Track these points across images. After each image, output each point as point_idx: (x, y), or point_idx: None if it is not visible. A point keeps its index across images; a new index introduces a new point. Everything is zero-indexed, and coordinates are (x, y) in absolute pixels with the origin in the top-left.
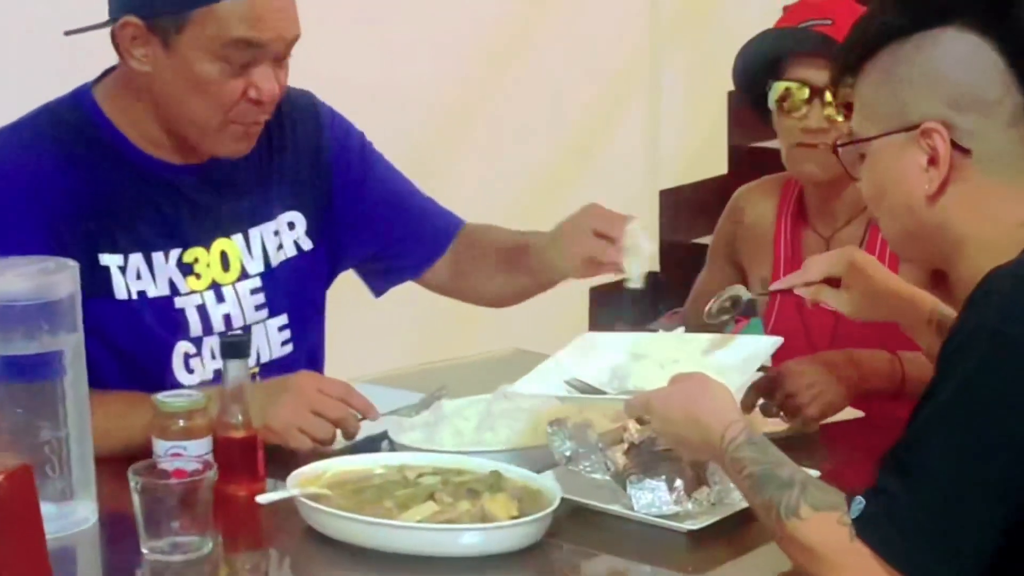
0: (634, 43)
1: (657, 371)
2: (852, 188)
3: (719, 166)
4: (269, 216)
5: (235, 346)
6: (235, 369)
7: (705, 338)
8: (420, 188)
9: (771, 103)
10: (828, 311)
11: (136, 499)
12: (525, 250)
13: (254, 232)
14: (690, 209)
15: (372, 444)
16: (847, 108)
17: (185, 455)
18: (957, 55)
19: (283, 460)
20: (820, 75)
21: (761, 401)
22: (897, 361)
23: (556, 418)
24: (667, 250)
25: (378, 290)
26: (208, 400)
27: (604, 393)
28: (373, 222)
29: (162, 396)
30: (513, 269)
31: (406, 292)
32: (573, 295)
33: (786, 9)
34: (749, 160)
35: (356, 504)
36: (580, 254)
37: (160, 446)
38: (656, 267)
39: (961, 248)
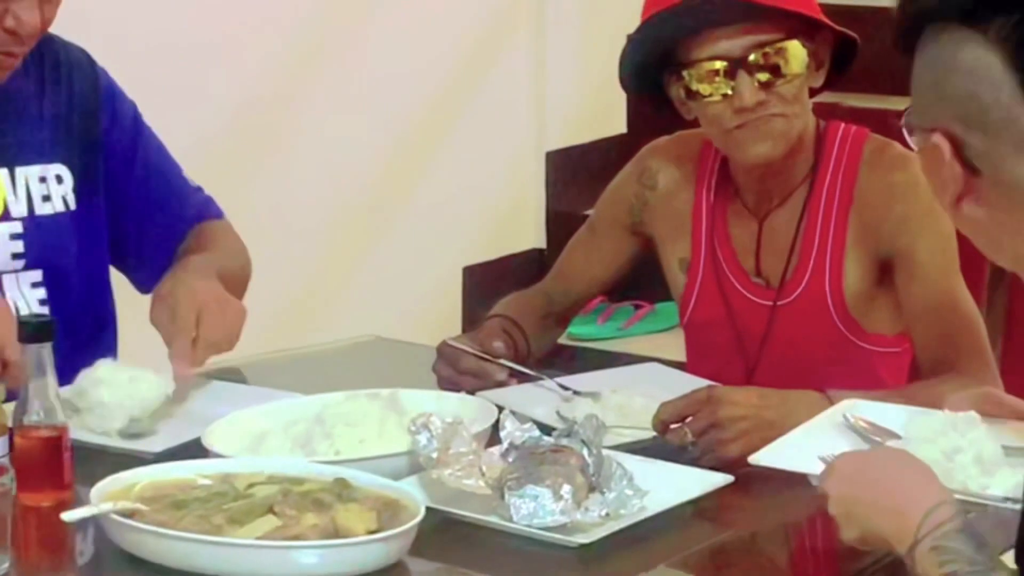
0: None
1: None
2: (793, 163)
3: (616, 123)
4: (36, 159)
5: (35, 328)
6: (35, 355)
7: None
8: (186, 176)
9: (680, 95)
10: (765, 305)
11: None
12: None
13: (20, 171)
14: (582, 174)
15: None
16: (782, 63)
17: None
18: (970, 65)
19: (90, 467)
20: (736, 43)
21: (675, 425)
22: (828, 402)
23: (420, 414)
24: (554, 221)
25: (143, 286)
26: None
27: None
28: (128, 207)
29: None
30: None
31: (256, 270)
32: (444, 275)
33: None
34: (653, 117)
35: (178, 520)
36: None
37: None
38: (541, 242)
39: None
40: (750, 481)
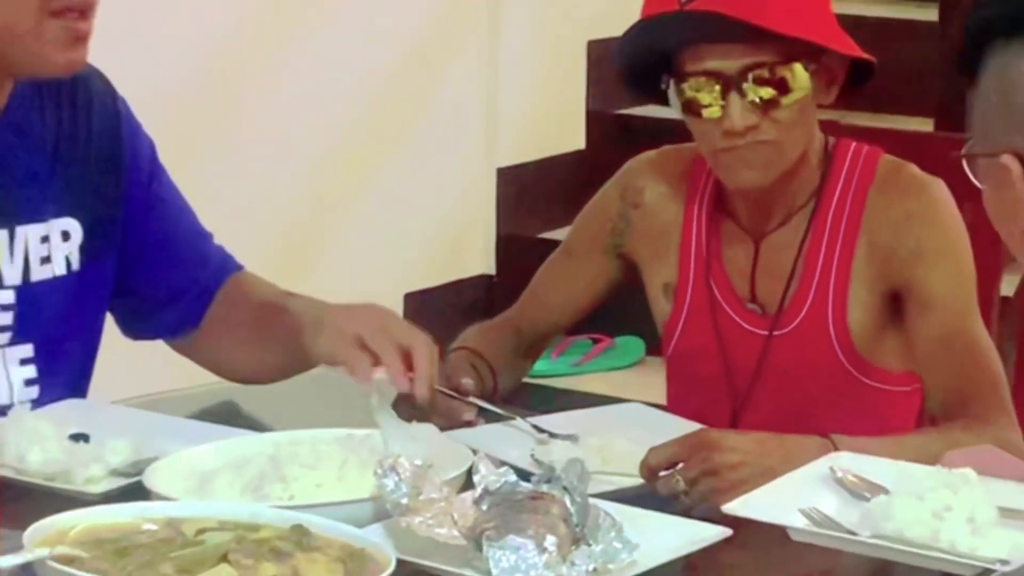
0: None
1: None
2: (794, 183)
3: (575, 138)
4: (41, 215)
5: None
6: None
7: None
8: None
9: (676, 108)
10: (759, 334)
11: None
12: (279, 315)
13: (21, 231)
14: (536, 194)
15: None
16: (779, 88)
17: None
18: None
19: (21, 508)
20: (732, 62)
21: (665, 472)
22: (831, 447)
23: (387, 456)
24: (505, 245)
25: (130, 332)
26: None
27: None
28: (144, 254)
29: None
30: (265, 338)
31: None
32: (383, 303)
33: None
34: (614, 130)
35: (121, 569)
36: (332, 357)
37: None
38: (490, 268)
39: None
40: (749, 534)
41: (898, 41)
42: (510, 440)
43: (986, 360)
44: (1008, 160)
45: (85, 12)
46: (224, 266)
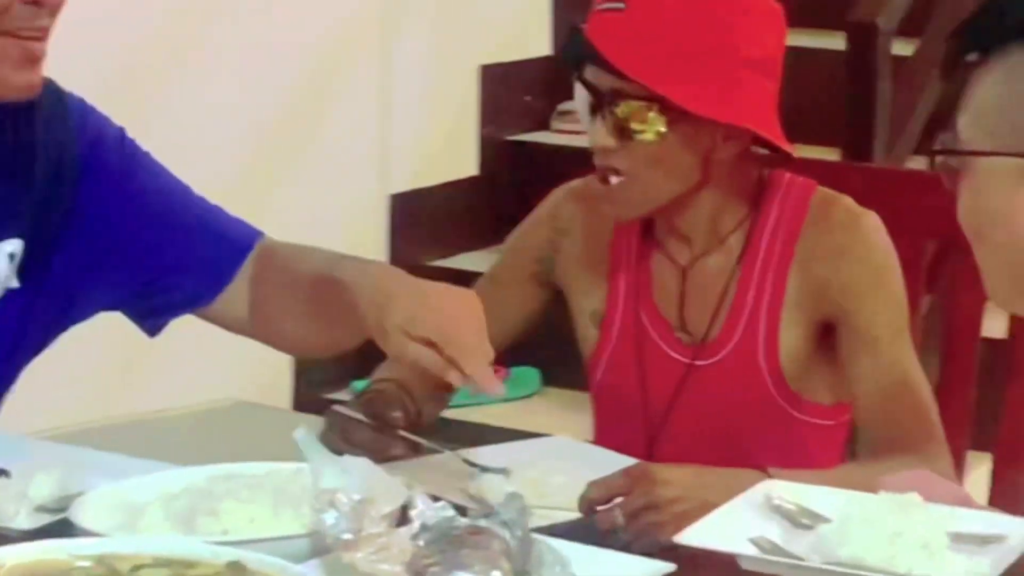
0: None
1: None
2: (706, 204)
3: (467, 164)
4: None
5: None
6: None
7: None
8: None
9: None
10: (681, 362)
11: None
12: (334, 288)
13: None
14: (429, 221)
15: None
16: (633, 123)
17: None
18: None
19: None
20: (604, 82)
21: (604, 507)
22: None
23: (325, 490)
24: None
25: (150, 329)
26: None
27: None
28: (129, 257)
29: None
30: (322, 313)
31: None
32: None
33: None
34: (507, 157)
35: None
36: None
37: None
38: None
39: None
40: (693, 568)
41: (805, 70)
42: (441, 474)
43: (917, 390)
44: None
45: (42, 32)
46: (243, 231)
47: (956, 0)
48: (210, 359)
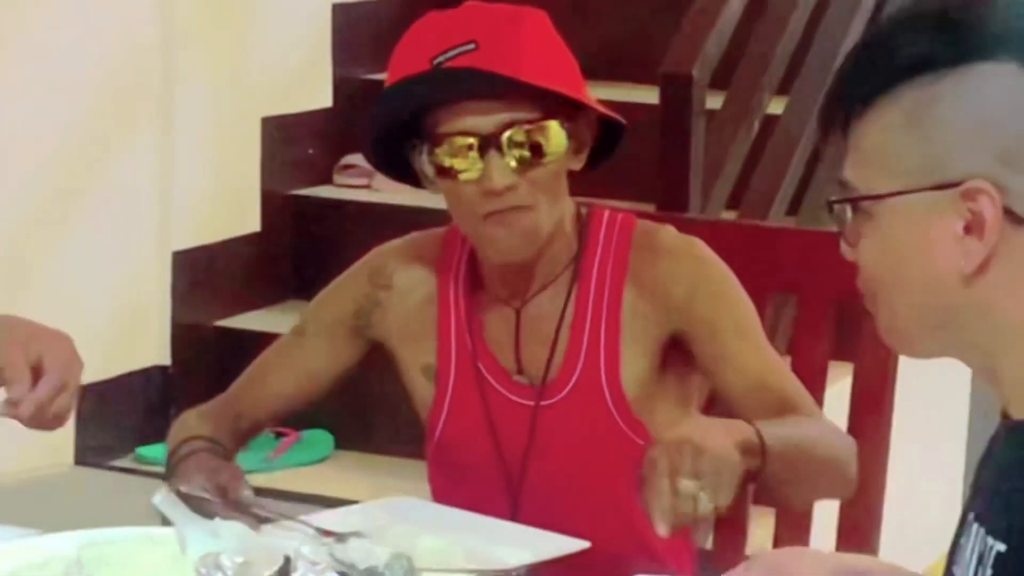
0: (140, 47)
1: None
2: (550, 251)
3: (250, 220)
4: None
5: None
6: None
7: None
8: None
9: (428, 172)
10: (527, 405)
11: None
12: None
13: None
14: (212, 279)
15: None
16: (536, 146)
17: None
18: (1012, 97)
19: None
20: (490, 119)
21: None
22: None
23: (207, 554)
24: (181, 334)
25: None
26: None
27: None
28: None
29: None
30: None
31: None
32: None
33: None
34: (291, 211)
35: None
36: None
37: None
38: (165, 359)
39: (1009, 341)
40: None
41: None
42: (295, 541)
43: (786, 374)
44: (982, 184)
45: None
46: None
47: (763, 49)
48: None
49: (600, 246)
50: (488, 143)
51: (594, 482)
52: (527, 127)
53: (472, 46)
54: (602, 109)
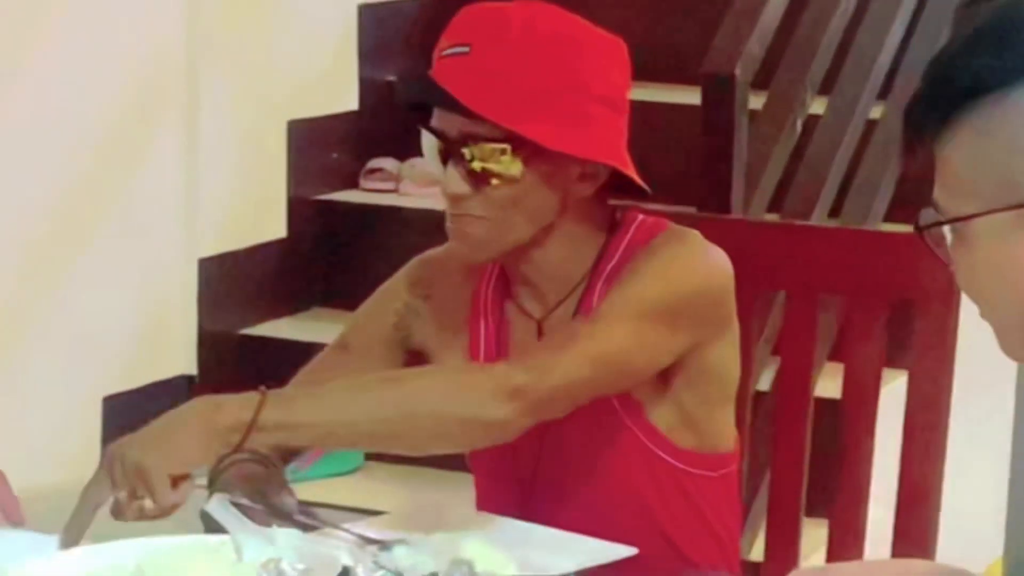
0: (165, 51)
1: None
2: (555, 250)
3: (276, 226)
4: None
5: None
6: None
7: None
8: None
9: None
10: None
11: None
12: None
13: None
14: (239, 286)
15: None
16: (488, 166)
17: None
18: None
19: None
20: (455, 126)
21: None
22: None
23: (269, 560)
24: (207, 343)
25: None
26: None
27: None
28: None
29: None
30: None
31: None
32: (80, 407)
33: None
34: (318, 216)
35: None
36: None
37: None
38: (191, 368)
39: None
40: None
41: (656, 125)
42: (339, 548)
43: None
44: None
45: None
46: None
47: (804, 48)
48: None
49: (620, 251)
50: (449, 149)
51: (604, 486)
52: (486, 144)
53: (466, 49)
54: (560, 147)
